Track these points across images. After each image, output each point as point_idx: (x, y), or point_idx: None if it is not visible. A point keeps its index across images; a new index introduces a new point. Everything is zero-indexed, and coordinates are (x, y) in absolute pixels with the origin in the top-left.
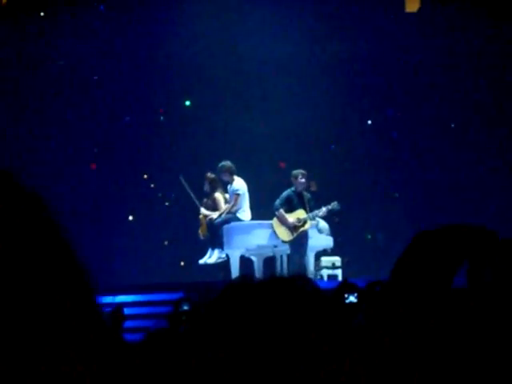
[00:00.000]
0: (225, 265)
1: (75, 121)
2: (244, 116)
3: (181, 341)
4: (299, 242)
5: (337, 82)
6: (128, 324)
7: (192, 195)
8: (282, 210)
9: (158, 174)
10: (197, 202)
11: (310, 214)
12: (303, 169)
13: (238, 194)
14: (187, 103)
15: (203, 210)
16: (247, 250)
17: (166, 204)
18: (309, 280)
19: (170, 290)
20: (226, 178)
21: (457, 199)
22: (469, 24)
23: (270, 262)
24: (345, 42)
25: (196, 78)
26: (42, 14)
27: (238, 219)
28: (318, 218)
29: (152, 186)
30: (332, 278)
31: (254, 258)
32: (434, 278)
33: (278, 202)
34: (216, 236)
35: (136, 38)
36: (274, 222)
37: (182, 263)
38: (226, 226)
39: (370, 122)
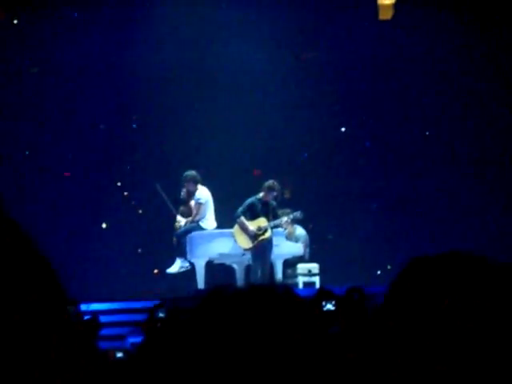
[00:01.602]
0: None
1: (49, 128)
2: (218, 123)
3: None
4: (261, 250)
5: (310, 90)
6: (104, 332)
7: (168, 203)
8: (242, 218)
9: (132, 182)
10: (173, 210)
11: (271, 223)
12: (277, 176)
13: (200, 203)
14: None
15: (179, 218)
16: (211, 258)
17: (140, 212)
18: (288, 288)
19: (144, 297)
20: (190, 187)
21: (433, 208)
22: (443, 30)
23: (231, 271)
24: (318, 50)
25: (170, 85)
26: (15, 21)
27: (201, 228)
28: (295, 225)
29: (125, 193)
30: (308, 285)
31: (235, 266)
32: (429, 305)
33: (240, 209)
34: (179, 245)
35: (109, 43)
36: (235, 229)
37: (156, 271)
38: (188, 236)
39: (343, 129)
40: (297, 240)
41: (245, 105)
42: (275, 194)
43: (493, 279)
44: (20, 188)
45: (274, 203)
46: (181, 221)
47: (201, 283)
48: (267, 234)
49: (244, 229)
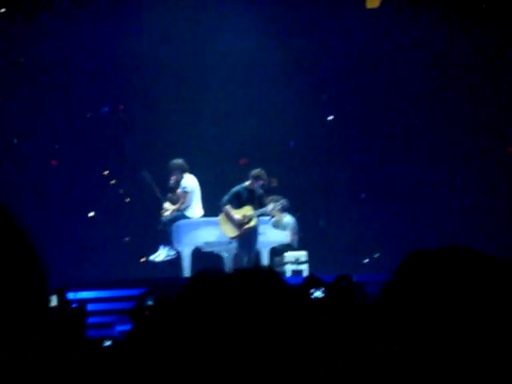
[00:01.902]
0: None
1: (36, 117)
2: (206, 111)
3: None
4: (246, 238)
5: (297, 78)
6: (92, 320)
7: (155, 190)
8: (227, 207)
9: (119, 171)
10: (160, 197)
11: (257, 212)
12: (264, 164)
13: (186, 192)
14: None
15: (166, 205)
16: (197, 246)
17: (127, 200)
18: (272, 271)
19: (132, 285)
20: (176, 175)
21: (421, 196)
22: (430, 19)
23: (220, 259)
24: (305, 38)
25: (156, 74)
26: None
27: (186, 217)
28: (283, 213)
29: (113, 182)
30: (296, 273)
31: (224, 254)
32: (428, 300)
33: (225, 197)
34: (165, 233)
35: (96, 33)
36: (221, 218)
37: (143, 259)
38: (174, 224)
39: (331, 117)
40: (284, 228)
41: (232, 93)
42: (261, 182)
43: (491, 274)
44: (7, 176)
45: (261, 191)
46: (167, 209)
47: (187, 271)
48: (252, 223)
49: (229, 217)
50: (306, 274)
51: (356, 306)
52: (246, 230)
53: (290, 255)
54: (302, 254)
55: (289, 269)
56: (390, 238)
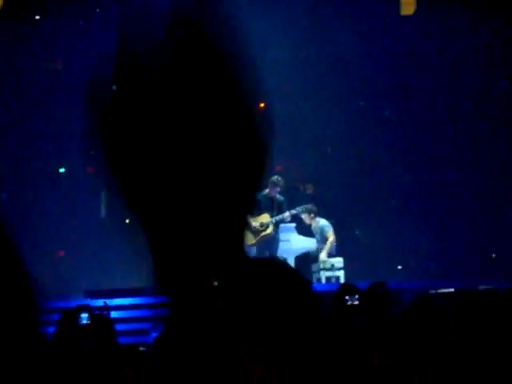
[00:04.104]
0: None
1: (46, 125)
2: None
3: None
4: (264, 246)
5: (334, 85)
6: (128, 327)
7: None
8: None
9: None
10: None
11: (274, 219)
12: (299, 172)
13: None
14: None
15: None
16: None
17: None
18: (282, 262)
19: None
20: None
21: (454, 202)
22: (464, 26)
23: None
24: (339, 45)
25: None
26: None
27: None
28: (318, 218)
29: None
30: (331, 279)
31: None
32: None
33: None
34: None
35: (101, 38)
36: None
37: None
38: None
39: (366, 123)
40: (317, 233)
41: (266, 100)
42: (279, 189)
43: None
44: (20, 183)
45: (282, 198)
46: None
47: None
48: (269, 230)
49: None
50: (342, 280)
51: (390, 312)
52: (262, 237)
53: (325, 261)
54: (339, 260)
55: (323, 275)
56: (424, 245)
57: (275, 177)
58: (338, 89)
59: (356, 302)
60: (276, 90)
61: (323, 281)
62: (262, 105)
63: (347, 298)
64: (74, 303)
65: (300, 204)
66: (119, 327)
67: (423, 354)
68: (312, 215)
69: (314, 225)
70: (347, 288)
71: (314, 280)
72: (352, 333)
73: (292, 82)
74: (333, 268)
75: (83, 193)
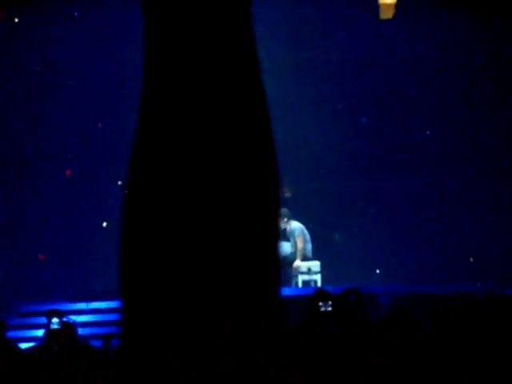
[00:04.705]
0: None
1: (49, 127)
2: None
3: None
4: None
5: (311, 89)
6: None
7: None
8: None
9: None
10: None
11: None
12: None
13: None
14: None
15: None
16: None
17: None
18: None
19: None
20: None
21: (433, 207)
22: (444, 29)
23: None
24: (317, 49)
25: None
26: (16, 20)
27: None
28: (291, 222)
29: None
30: (308, 284)
31: None
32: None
33: None
34: None
35: (106, 41)
36: None
37: None
38: None
39: (345, 127)
40: (290, 236)
41: None
42: None
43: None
44: (20, 186)
45: None
46: None
47: None
48: None
49: None
50: (319, 284)
51: (363, 318)
52: None
53: (302, 265)
54: (315, 264)
55: (300, 279)
56: (403, 248)
57: None
58: (318, 93)
59: (329, 309)
60: None
61: (300, 285)
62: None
63: (321, 304)
64: (51, 307)
65: None
66: (95, 331)
67: (400, 358)
68: (285, 219)
69: (288, 229)
70: (321, 294)
71: (293, 284)
72: (324, 339)
73: (271, 86)
74: (310, 272)
75: (66, 195)
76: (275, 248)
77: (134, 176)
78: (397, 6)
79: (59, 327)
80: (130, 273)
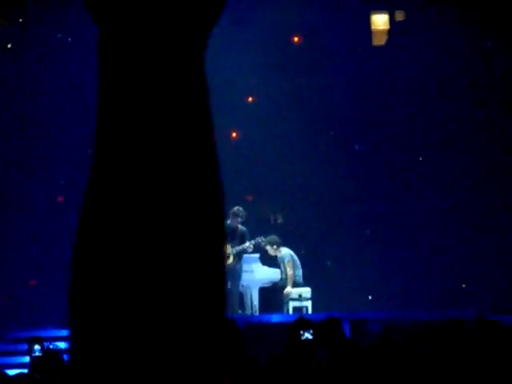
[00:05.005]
0: None
1: (54, 140)
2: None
3: None
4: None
5: (304, 115)
6: None
7: None
8: None
9: None
10: None
11: (234, 249)
12: (270, 201)
13: None
14: None
15: None
16: None
17: None
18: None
19: None
20: None
21: (427, 234)
22: (438, 54)
23: None
24: (308, 77)
25: None
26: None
27: None
28: (281, 249)
29: None
30: (298, 310)
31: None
32: None
33: None
34: None
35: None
36: None
37: None
38: None
39: (337, 153)
40: (280, 262)
41: (236, 129)
42: (240, 219)
43: None
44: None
45: (244, 229)
46: None
47: None
48: (229, 261)
49: None
50: (309, 310)
51: (349, 345)
52: None
53: (293, 292)
54: (306, 291)
55: (291, 305)
56: (395, 274)
57: (236, 207)
58: (310, 119)
59: (310, 337)
60: (246, 120)
61: (290, 311)
62: (233, 134)
63: (302, 332)
64: (37, 333)
65: (268, 234)
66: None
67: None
68: (275, 247)
69: (278, 256)
70: (302, 322)
71: (285, 311)
72: (307, 366)
73: (263, 113)
74: (301, 298)
75: (55, 221)
76: (221, 283)
77: (84, 226)
78: (389, 32)
79: (41, 354)
80: (79, 299)
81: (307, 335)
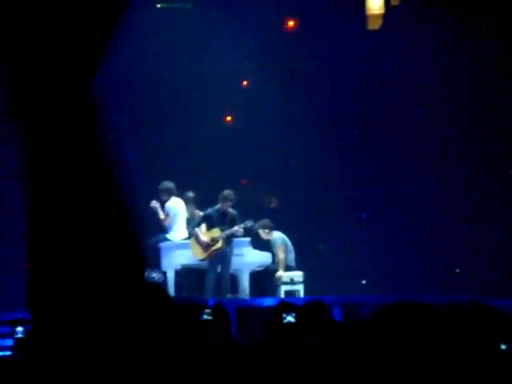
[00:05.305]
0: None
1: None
2: (207, 132)
3: None
4: (216, 260)
5: (299, 98)
6: None
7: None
8: (196, 229)
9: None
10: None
11: (224, 233)
12: (265, 185)
13: (168, 214)
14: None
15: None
16: (177, 268)
17: None
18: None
19: None
20: (164, 197)
21: (420, 219)
22: (433, 38)
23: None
24: (305, 60)
25: (153, 96)
26: None
27: (166, 239)
28: (273, 233)
29: None
30: (290, 294)
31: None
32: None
33: (196, 220)
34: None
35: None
36: (191, 241)
37: None
38: (155, 247)
39: (332, 138)
40: (272, 246)
41: (232, 115)
42: (229, 203)
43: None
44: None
45: (234, 212)
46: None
47: (171, 291)
48: (219, 245)
49: (197, 240)
50: (301, 294)
51: (333, 330)
52: (213, 251)
53: (284, 275)
54: (298, 275)
55: (282, 289)
56: (390, 259)
57: (226, 191)
58: (305, 104)
59: (292, 320)
60: (243, 105)
61: (282, 295)
62: (228, 118)
63: (284, 315)
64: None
65: (260, 218)
66: None
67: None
68: (267, 230)
69: (271, 239)
70: (284, 305)
71: (277, 295)
72: (290, 352)
73: (258, 97)
74: (292, 282)
75: None
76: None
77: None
78: (384, 16)
79: (24, 336)
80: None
81: (290, 318)
